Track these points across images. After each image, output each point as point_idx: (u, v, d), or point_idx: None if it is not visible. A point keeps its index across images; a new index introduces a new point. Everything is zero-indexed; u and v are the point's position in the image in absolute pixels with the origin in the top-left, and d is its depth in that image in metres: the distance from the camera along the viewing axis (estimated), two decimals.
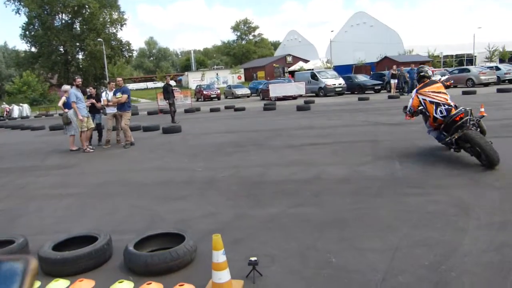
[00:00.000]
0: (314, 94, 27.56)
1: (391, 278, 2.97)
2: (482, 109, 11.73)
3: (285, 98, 26.25)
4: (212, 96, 34.76)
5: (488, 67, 29.75)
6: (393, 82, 24.04)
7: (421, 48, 49.64)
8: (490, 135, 8.55)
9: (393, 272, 3.06)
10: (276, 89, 26.74)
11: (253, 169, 6.81)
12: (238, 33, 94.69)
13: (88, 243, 3.50)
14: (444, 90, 6.55)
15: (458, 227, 3.83)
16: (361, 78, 29.11)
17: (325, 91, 26.72)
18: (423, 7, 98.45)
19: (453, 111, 6.19)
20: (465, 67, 33.90)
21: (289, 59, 66.20)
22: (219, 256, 2.79)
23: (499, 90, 20.73)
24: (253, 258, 3.05)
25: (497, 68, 28.82)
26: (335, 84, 26.85)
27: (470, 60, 51.73)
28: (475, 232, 3.69)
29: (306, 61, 63.05)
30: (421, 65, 7.56)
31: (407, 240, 3.60)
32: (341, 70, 40.06)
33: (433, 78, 7.19)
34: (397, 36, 54.45)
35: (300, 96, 26.81)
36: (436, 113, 6.34)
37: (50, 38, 41.25)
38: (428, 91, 6.52)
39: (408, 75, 23.81)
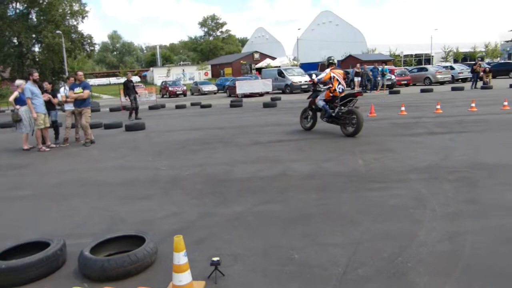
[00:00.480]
0: (280, 91, 27.74)
1: (351, 272, 3.01)
2: (438, 106, 12.28)
3: (252, 95, 26.26)
4: (178, 92, 34.19)
5: (444, 67, 31.17)
6: (357, 80, 24.61)
7: (383, 47, 51.13)
8: (446, 130, 8.95)
9: (354, 265, 3.10)
10: (243, 86, 26.68)
11: (219, 167, 6.74)
12: (206, 29, 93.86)
13: (40, 250, 3.29)
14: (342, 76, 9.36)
15: (415, 219, 3.95)
16: None
17: (292, 88, 26.96)
18: (386, 7, 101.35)
19: (344, 92, 9.10)
20: (423, 66, 35.32)
21: (256, 56, 66.31)
22: (180, 258, 2.71)
23: (453, 89, 21.77)
24: (215, 258, 2.99)
25: (452, 68, 30.33)
26: (301, 82, 27.13)
27: (428, 59, 53.96)
28: (430, 223, 3.82)
29: (273, 58, 63.39)
30: (330, 56, 9.98)
31: (368, 234, 3.67)
32: (308, 67, 40.57)
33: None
34: (361, 35, 55.78)
35: (267, 93, 26.93)
36: (337, 87, 9.01)
37: (2, 29, 38.81)
38: (336, 72, 9.17)
39: (371, 73, 24.46)
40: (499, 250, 3.23)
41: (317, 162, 6.62)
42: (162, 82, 40.12)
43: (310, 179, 5.69)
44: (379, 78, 24.23)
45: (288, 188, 5.28)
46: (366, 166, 6.18)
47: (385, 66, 26.65)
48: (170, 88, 34.70)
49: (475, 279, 2.82)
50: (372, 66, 25.34)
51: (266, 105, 17.73)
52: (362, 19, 60.87)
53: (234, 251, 3.50)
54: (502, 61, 39.76)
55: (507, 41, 62.18)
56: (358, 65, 25.79)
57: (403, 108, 12.38)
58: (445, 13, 66.36)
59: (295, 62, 51.77)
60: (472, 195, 4.58)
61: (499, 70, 30.40)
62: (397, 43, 50.96)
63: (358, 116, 8.46)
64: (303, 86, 26.95)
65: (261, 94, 26.52)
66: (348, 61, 42.48)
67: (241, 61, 63.84)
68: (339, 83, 8.99)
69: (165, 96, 34.59)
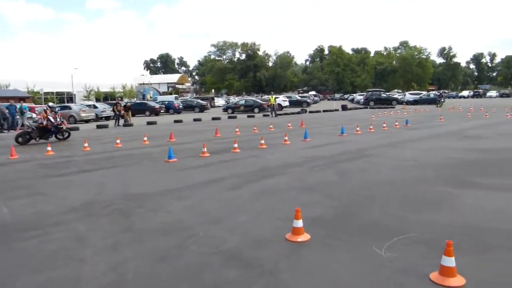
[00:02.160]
0: None
1: None
2: (86, 144, 12.75)
3: None
4: None
5: (87, 105, 32.42)
6: None
7: (19, 83, 46.77)
8: (97, 167, 9.40)
9: None
10: None
11: None
12: None
13: None
14: (49, 116, 13.91)
15: (79, 258, 4.00)
16: None
17: None
18: (17, 41, 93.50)
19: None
20: (66, 104, 35.23)
21: None
22: None
23: (98, 126, 23.04)
24: None
25: (95, 106, 31.99)
26: None
27: (71, 97, 54.31)
28: (93, 259, 3.99)
29: None
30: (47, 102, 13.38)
31: None
32: None
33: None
34: None
35: None
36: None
37: None
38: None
39: (7, 110, 21.89)
40: (156, 269, 3.74)
41: None
42: None
43: None
44: (17, 117, 22.04)
45: None
46: (14, 214, 5.58)
47: (24, 104, 24.57)
48: None
49: None
50: (8, 103, 22.69)
51: None
52: None
53: None
54: (138, 102, 45.22)
55: (140, 84, 73.55)
56: None
57: (49, 148, 11.95)
58: (84, 54, 69.53)
59: None
60: (127, 224, 5.09)
61: (137, 109, 34.45)
62: (35, 79, 47.94)
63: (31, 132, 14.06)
64: None
65: None
66: None
67: None
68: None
69: None
